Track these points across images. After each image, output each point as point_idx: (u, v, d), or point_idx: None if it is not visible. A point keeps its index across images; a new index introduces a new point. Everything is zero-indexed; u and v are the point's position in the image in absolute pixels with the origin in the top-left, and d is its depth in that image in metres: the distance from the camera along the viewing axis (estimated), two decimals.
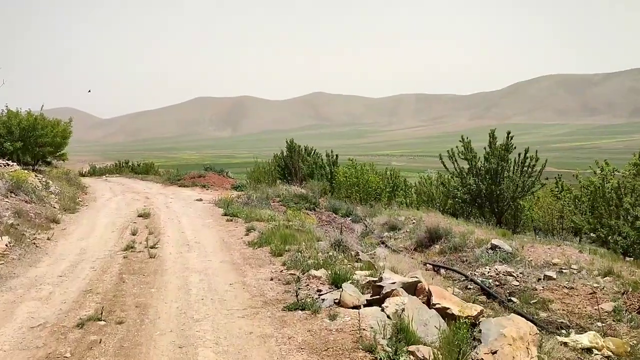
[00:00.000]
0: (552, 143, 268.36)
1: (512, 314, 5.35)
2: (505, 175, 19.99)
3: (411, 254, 13.92)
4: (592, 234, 20.84)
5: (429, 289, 5.22)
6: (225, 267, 7.00)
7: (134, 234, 9.47)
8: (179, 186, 22.66)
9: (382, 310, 4.73)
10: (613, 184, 17.09)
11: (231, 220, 11.12)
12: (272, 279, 6.24)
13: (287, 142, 31.22)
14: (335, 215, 17.84)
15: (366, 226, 17.24)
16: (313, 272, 5.96)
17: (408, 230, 16.21)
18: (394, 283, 5.06)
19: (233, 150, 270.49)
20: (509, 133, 20.46)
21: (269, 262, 7.22)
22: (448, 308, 4.88)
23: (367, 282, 5.53)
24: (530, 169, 20.13)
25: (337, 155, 28.74)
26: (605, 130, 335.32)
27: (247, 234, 9.54)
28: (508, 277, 10.64)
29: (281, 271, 6.59)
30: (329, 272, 5.81)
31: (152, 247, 8.40)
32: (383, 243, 15.33)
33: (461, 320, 4.63)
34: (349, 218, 18.03)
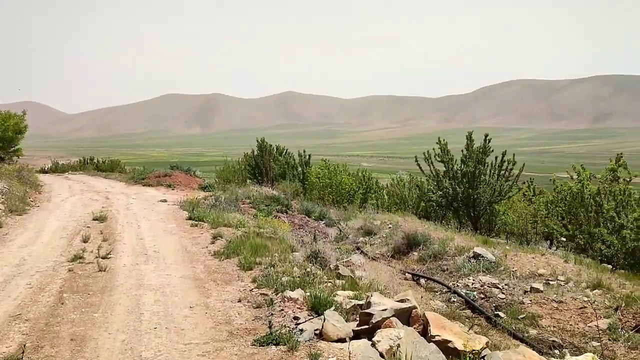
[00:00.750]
0: (518, 147, 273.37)
1: (521, 346, 4.62)
2: (482, 179, 19.54)
3: (388, 262, 13.20)
4: (564, 240, 20.63)
5: (425, 316, 4.43)
6: (187, 284, 6.06)
7: (85, 241, 8.41)
8: (144, 185, 21.47)
9: (373, 345, 3.92)
10: (592, 190, 16.77)
11: (196, 226, 10.16)
12: (240, 301, 5.33)
13: (257, 141, 30.23)
14: (308, 219, 17.00)
15: (340, 230, 16.46)
16: (288, 293, 5.08)
17: (384, 235, 15.51)
18: (384, 310, 4.26)
19: (202, 148, 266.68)
20: (486, 136, 20.01)
21: (237, 278, 6.31)
22: (450, 341, 4.10)
23: (352, 306, 4.71)
24: (507, 173, 19.73)
25: (309, 156, 27.92)
26: (569, 135, 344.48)
27: (213, 242, 8.60)
28: (493, 289, 10.01)
29: (251, 290, 5.69)
30: (307, 294, 4.95)
31: (103, 257, 7.39)
32: (359, 249, 14.58)
33: (466, 357, 3.86)
34: (323, 221, 17.23)
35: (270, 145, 30.31)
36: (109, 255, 7.55)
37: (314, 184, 25.15)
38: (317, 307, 4.58)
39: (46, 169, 41.10)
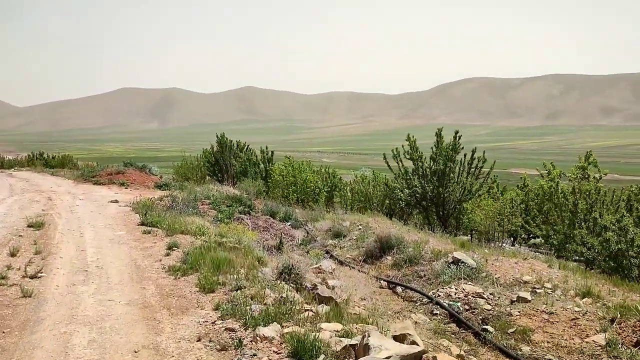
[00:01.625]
0: (475, 143, 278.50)
1: None
2: (451, 177, 18.95)
3: (361, 267, 12.30)
4: (532, 238, 20.33)
5: None
6: (133, 315, 4.88)
7: (13, 255, 7.09)
8: (94, 184, 19.88)
9: None
10: (564, 188, 16.37)
11: (149, 233, 8.92)
12: (200, 339, 4.22)
13: (217, 136, 28.85)
14: (273, 220, 15.92)
15: (308, 232, 15.47)
16: (261, 330, 4.00)
17: (354, 237, 14.61)
18: (389, 358, 3.30)
19: (160, 144, 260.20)
20: (456, 132, 19.41)
21: (195, 304, 5.19)
22: None
23: (344, 348, 3.72)
24: (477, 170, 19.20)
25: (272, 152, 26.78)
26: (523, 132, 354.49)
27: (168, 254, 7.43)
28: (478, 299, 9.22)
29: (214, 322, 4.58)
30: (286, 332, 3.91)
31: (32, 277, 6.14)
32: (328, 253, 13.63)
33: None
34: (289, 223, 16.19)
35: (231, 141, 29.01)
36: (40, 274, 6.30)
37: (278, 182, 24.07)
38: (299, 354, 3.55)
39: None
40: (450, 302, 9.18)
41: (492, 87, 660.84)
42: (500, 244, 18.58)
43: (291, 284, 5.93)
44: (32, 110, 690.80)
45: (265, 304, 4.76)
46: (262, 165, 26.43)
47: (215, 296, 5.41)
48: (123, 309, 5.09)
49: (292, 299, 4.76)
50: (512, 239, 20.12)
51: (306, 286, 5.89)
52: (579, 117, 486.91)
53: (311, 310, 4.61)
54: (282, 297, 4.79)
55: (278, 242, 13.76)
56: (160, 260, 7.15)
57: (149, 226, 9.64)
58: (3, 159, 41.08)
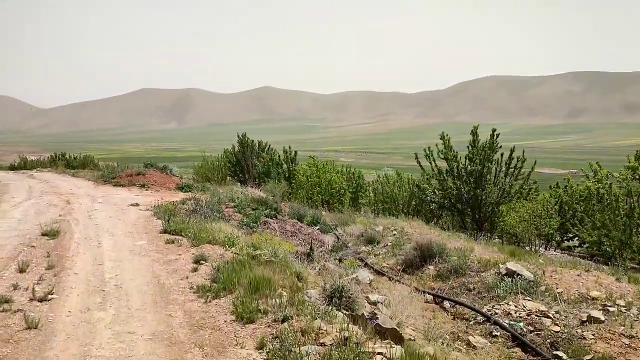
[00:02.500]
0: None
1: None
2: (489, 177, 17.80)
3: (400, 277, 11.27)
4: (565, 241, 19.07)
5: None
6: (158, 356, 3.93)
7: (22, 270, 6.22)
8: (114, 185, 19.13)
9: None
10: (615, 190, 15.11)
11: (173, 242, 8.00)
12: None
13: (238, 136, 28.02)
14: (300, 224, 14.96)
15: (338, 238, 14.48)
16: None
17: (389, 243, 13.60)
18: None
19: (178, 144, 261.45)
20: (494, 130, 18.31)
21: (233, 340, 4.20)
22: None
23: None
24: (517, 171, 18.04)
25: (295, 152, 25.82)
26: (543, 131, 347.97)
27: (195, 269, 6.49)
28: (543, 318, 8.13)
29: None
30: None
31: (41, 300, 5.26)
32: (362, 261, 12.63)
33: None
34: (317, 227, 15.21)
35: (252, 141, 28.15)
36: (51, 295, 5.41)
37: (302, 183, 23.13)
38: None
39: (15, 164, 38.26)
40: (511, 322, 8.11)
41: (511, 85, 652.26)
42: (535, 248, 17.47)
43: (343, 310, 4.95)
44: (54, 111, 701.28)
45: (322, 344, 3.80)
46: (285, 166, 25.50)
47: (256, 328, 4.44)
48: (146, 347, 4.15)
49: (356, 338, 3.78)
50: (546, 242, 18.98)
51: (362, 314, 4.90)
52: (601, 115, 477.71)
53: (383, 356, 3.62)
54: (344, 337, 3.81)
55: (308, 248, 12.83)
56: (187, 278, 6.22)
57: (173, 234, 8.73)
58: (26, 160, 40.89)
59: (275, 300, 4.92)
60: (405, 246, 13.00)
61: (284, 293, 5.19)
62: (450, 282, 10.60)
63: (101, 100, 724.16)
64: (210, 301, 5.33)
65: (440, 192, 18.69)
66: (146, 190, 18.17)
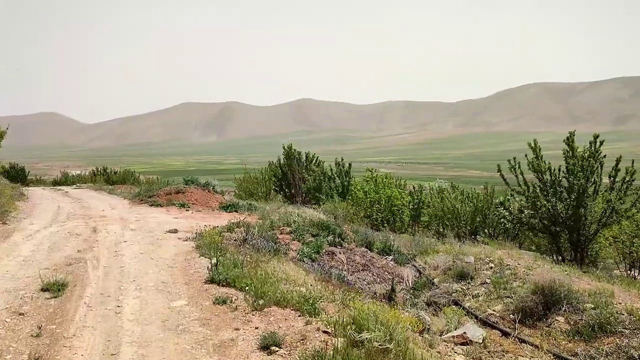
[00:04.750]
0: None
1: None
2: (591, 193, 14.72)
3: (519, 332, 8.42)
4: None
5: None
6: None
7: None
8: (151, 205, 17.07)
9: None
10: None
11: (224, 302, 5.46)
12: None
13: (284, 147, 25.64)
14: (371, 254, 12.32)
15: (420, 272, 11.74)
16: None
17: (488, 280, 10.74)
18: None
19: (218, 156, 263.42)
20: (596, 137, 15.19)
21: None
22: None
23: None
24: (626, 185, 14.87)
25: (350, 165, 23.19)
26: (590, 138, 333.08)
27: None
28: None
29: None
30: None
31: None
32: (457, 304, 9.86)
33: None
34: (390, 257, 12.53)
35: (299, 153, 25.73)
36: None
37: (359, 199, 20.49)
38: None
39: (58, 179, 37.44)
40: None
41: (555, 92, 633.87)
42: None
43: None
44: (99, 126, 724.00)
45: None
46: (338, 180, 22.90)
47: None
48: None
49: None
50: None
51: None
52: None
53: None
54: None
55: (389, 288, 10.15)
56: None
57: (223, 285, 6.23)
58: (67, 175, 40.05)
59: None
60: (512, 284, 10.17)
61: None
62: (595, 343, 7.71)
63: (144, 115, 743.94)
64: None
65: (529, 210, 15.68)
66: (186, 210, 15.97)
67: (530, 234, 18.92)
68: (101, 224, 12.05)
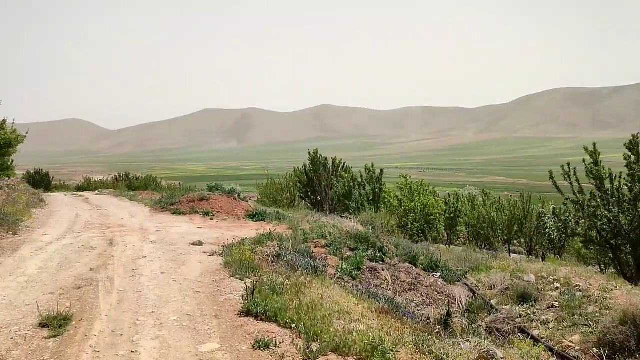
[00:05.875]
0: (561, 157, 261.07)
1: None
2: None
3: None
4: None
5: None
6: None
7: None
8: (173, 213, 16.03)
9: None
10: None
11: (266, 347, 4.25)
12: None
13: (310, 153, 24.44)
14: (417, 271, 10.99)
15: (474, 292, 10.38)
16: None
17: (555, 303, 9.34)
18: None
19: (239, 162, 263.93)
20: None
21: None
22: None
23: None
24: None
25: (381, 171, 21.83)
26: (615, 144, 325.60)
27: None
28: None
29: None
30: None
31: None
32: (523, 332, 8.51)
33: None
34: (437, 274, 11.19)
35: (325, 158, 24.52)
36: None
37: (393, 208, 19.16)
38: None
39: (81, 185, 36.98)
40: None
41: (579, 98, 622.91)
42: None
43: None
44: (122, 132, 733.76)
45: None
46: (368, 187, 21.57)
47: None
48: None
49: None
50: None
51: None
52: None
53: None
54: None
55: (444, 313, 8.82)
56: None
57: (262, 319, 5.01)
58: (89, 180, 39.52)
59: None
60: (586, 309, 8.77)
61: None
62: None
63: (166, 121, 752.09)
64: None
65: (588, 222, 14.19)
66: (210, 219, 14.84)
67: (583, 246, 17.38)
68: (119, 235, 10.97)
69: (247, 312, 5.23)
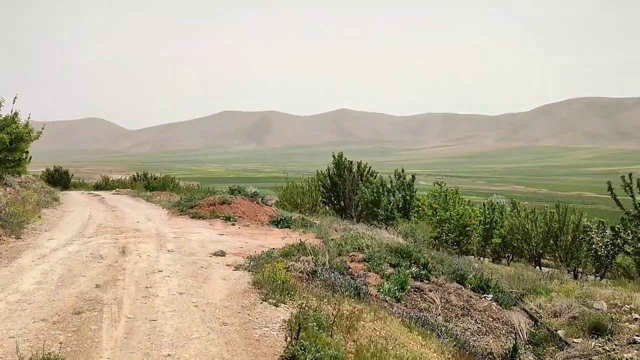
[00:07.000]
0: (582, 167, 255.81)
1: None
2: None
3: None
4: None
5: None
6: None
7: None
8: (192, 217, 14.92)
9: None
10: None
11: None
12: None
13: (334, 156, 23.11)
14: (468, 293, 9.61)
15: (535, 320, 8.98)
16: None
17: (638, 338, 7.91)
18: None
19: (257, 165, 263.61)
20: None
21: None
22: None
23: None
24: None
25: (413, 177, 20.42)
26: (639, 156, 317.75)
27: None
28: None
29: None
30: None
31: None
32: None
33: None
34: (490, 296, 9.81)
35: (350, 162, 23.16)
36: None
37: (428, 217, 17.79)
38: None
39: (99, 183, 36.37)
40: None
41: (601, 107, 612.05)
42: None
43: None
44: (141, 132, 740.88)
45: None
46: (398, 194, 20.17)
47: None
48: None
49: None
50: None
51: None
52: None
53: None
54: None
55: (511, 347, 7.47)
56: None
57: None
58: (107, 179, 38.79)
59: None
60: None
61: None
62: None
63: (185, 122, 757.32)
64: None
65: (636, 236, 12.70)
66: (232, 224, 13.68)
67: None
68: (133, 242, 9.83)
69: (291, 358, 3.98)
